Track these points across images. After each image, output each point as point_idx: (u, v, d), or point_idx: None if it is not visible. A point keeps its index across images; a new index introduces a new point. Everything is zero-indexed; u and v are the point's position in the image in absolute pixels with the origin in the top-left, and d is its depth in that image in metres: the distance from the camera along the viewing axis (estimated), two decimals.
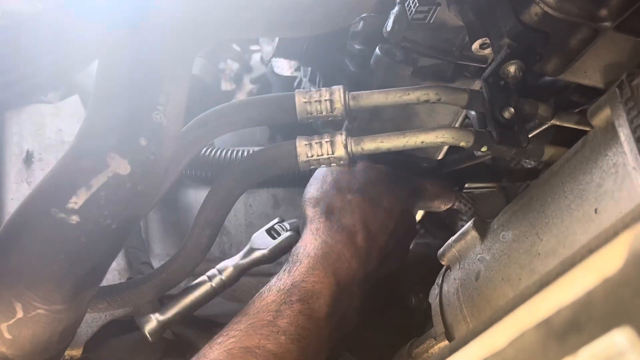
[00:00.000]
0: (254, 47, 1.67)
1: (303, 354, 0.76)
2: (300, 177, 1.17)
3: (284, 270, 0.83)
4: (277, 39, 1.00)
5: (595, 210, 0.57)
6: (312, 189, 0.93)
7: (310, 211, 0.89)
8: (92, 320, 1.00)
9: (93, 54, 0.63)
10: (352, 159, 0.78)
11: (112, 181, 0.60)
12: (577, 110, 0.90)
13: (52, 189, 0.60)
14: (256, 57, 1.66)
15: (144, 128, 0.62)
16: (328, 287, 0.80)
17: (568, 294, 0.30)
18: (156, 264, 1.08)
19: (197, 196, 1.17)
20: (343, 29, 0.99)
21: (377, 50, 0.88)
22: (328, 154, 0.77)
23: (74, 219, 0.58)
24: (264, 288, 0.82)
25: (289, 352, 0.75)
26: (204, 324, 0.99)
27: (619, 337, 0.27)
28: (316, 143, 0.77)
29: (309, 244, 0.85)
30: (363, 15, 0.94)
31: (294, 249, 0.86)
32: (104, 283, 0.79)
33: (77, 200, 0.58)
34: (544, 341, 0.31)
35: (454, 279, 0.75)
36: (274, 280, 0.83)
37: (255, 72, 1.66)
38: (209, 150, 1.09)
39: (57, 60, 0.58)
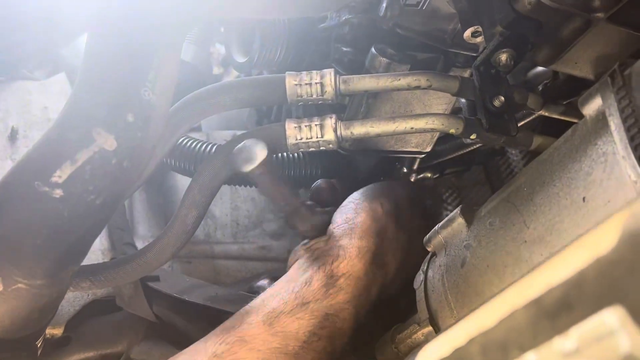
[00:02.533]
0: None
1: None
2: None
3: (323, 285, 0.78)
4: (253, 52, 0.96)
5: (584, 199, 0.57)
6: (365, 216, 0.84)
7: (366, 221, 0.83)
8: (74, 300, 1.00)
9: (82, 27, 0.62)
10: (341, 143, 0.77)
11: (98, 156, 0.59)
12: (565, 102, 0.90)
13: (36, 162, 0.59)
14: None
15: (132, 104, 0.61)
16: (352, 328, 0.79)
17: (559, 273, 0.30)
18: (140, 245, 1.08)
19: (182, 178, 1.16)
20: (324, 38, 0.98)
21: (372, 50, 0.87)
22: (317, 137, 0.76)
23: (58, 192, 0.58)
24: (296, 295, 0.78)
25: None
26: (186, 307, 0.99)
27: (609, 316, 0.27)
28: (305, 126, 0.77)
29: (353, 268, 0.79)
30: (347, 17, 0.93)
31: (334, 255, 0.80)
32: (88, 263, 0.79)
33: (61, 174, 0.58)
34: (534, 320, 0.31)
35: (439, 265, 0.75)
36: (310, 292, 0.78)
37: None
38: (195, 143, 1.04)
39: (48, 30, 0.58)
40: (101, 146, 0.59)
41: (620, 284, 0.27)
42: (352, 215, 0.84)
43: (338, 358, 0.79)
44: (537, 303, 0.30)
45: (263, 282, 0.94)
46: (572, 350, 0.29)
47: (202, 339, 0.78)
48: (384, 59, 0.85)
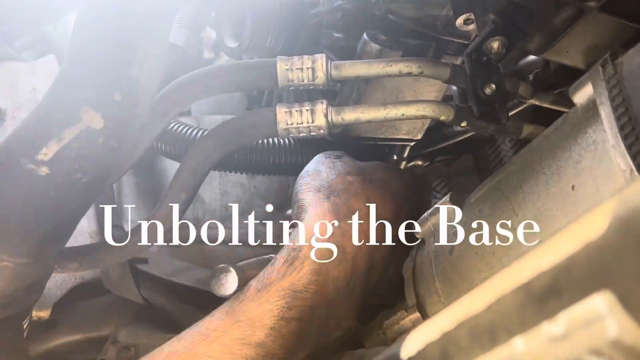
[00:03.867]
0: None
1: None
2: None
3: (286, 260, 0.73)
4: (244, 38, 0.95)
5: (573, 187, 0.57)
6: (308, 179, 0.82)
7: (310, 196, 0.78)
8: (62, 283, 0.99)
9: (71, 4, 0.61)
10: (332, 128, 0.77)
11: (85, 135, 0.58)
12: (556, 91, 0.90)
13: (23, 140, 0.59)
14: None
15: (120, 83, 0.61)
16: (325, 298, 0.72)
17: (549, 258, 0.30)
18: (128, 228, 1.07)
19: (172, 163, 1.15)
20: (316, 24, 0.97)
21: (364, 36, 0.87)
22: (308, 123, 0.76)
23: (44, 170, 0.57)
24: (260, 279, 0.72)
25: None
26: (175, 289, 0.99)
27: (598, 301, 0.27)
28: (296, 111, 0.76)
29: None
30: (340, 3, 0.92)
31: (294, 233, 0.76)
32: (75, 245, 0.78)
33: (47, 152, 0.57)
34: (523, 305, 0.30)
35: (428, 252, 0.75)
36: (273, 271, 0.72)
37: None
38: (185, 128, 1.01)
39: (37, 3, 0.57)
40: (88, 124, 0.58)
41: (609, 269, 0.27)
42: (297, 197, 0.80)
43: (329, 332, 0.74)
44: (526, 288, 0.30)
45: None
46: (560, 335, 0.29)
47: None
48: (376, 45, 0.85)
